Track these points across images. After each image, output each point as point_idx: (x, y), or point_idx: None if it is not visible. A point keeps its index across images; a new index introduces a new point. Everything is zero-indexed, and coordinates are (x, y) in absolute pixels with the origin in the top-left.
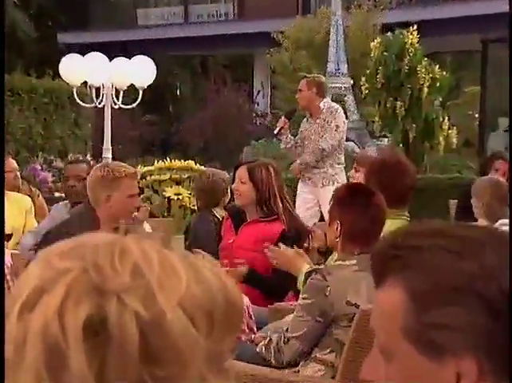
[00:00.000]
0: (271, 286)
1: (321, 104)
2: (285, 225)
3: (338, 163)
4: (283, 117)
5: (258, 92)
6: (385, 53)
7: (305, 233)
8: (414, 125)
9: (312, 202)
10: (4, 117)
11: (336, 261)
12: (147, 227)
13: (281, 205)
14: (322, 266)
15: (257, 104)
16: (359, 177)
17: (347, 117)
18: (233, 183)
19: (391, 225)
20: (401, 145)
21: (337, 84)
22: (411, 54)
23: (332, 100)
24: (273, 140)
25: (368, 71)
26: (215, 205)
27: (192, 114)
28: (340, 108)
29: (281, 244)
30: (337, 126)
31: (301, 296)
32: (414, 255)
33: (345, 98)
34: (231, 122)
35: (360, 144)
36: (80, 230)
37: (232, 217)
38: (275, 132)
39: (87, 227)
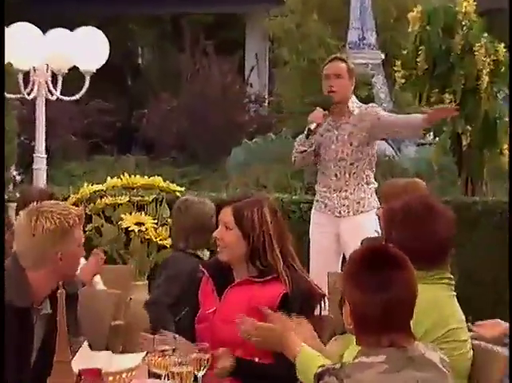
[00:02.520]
0: (273, 378)
1: (351, 105)
2: (288, 286)
3: (367, 183)
4: (319, 109)
5: (252, 68)
6: (428, 27)
7: (316, 297)
8: (469, 127)
9: (330, 238)
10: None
11: (357, 356)
12: (98, 282)
13: (281, 259)
14: (338, 365)
15: (251, 85)
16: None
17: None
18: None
19: (422, 292)
20: (451, 155)
21: (362, 60)
22: (465, 28)
23: (356, 84)
24: (271, 138)
25: (404, 51)
26: (202, 247)
27: (160, 98)
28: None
29: (279, 313)
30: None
31: None
32: None
33: (374, 80)
34: (214, 109)
35: (394, 145)
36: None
37: (213, 276)
38: (310, 128)
39: (17, 294)
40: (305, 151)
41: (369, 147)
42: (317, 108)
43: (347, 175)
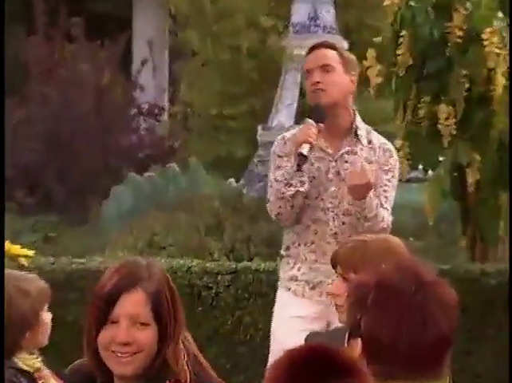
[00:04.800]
0: None
1: (359, 122)
2: None
3: None
4: (309, 121)
5: (143, 62)
6: (413, 2)
7: None
8: (477, 155)
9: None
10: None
11: None
12: None
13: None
14: None
15: (141, 89)
16: (343, 294)
17: None
18: None
19: None
20: (451, 198)
21: None
22: (468, 5)
23: (302, 87)
24: (174, 171)
25: (378, 38)
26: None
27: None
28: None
29: None
30: (393, 176)
31: None
32: None
33: None
34: (83, 126)
35: None
36: None
37: None
38: (303, 152)
39: None
40: (297, 193)
41: None
42: (307, 120)
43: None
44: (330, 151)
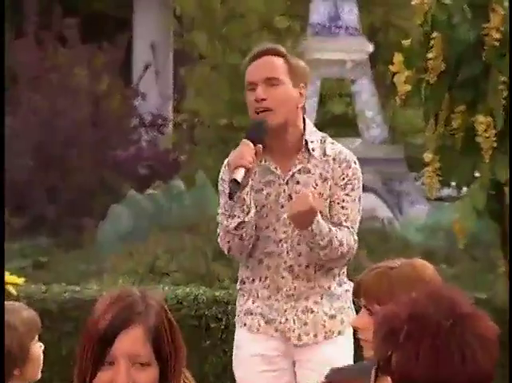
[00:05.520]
0: None
1: (308, 134)
2: None
3: (339, 284)
4: (246, 141)
5: (146, 67)
6: (447, 1)
7: None
8: None
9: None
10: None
11: None
12: None
13: None
14: None
15: (143, 97)
16: (368, 327)
17: (358, 131)
18: None
19: None
20: (489, 219)
21: (334, 55)
22: (506, 4)
23: (323, 95)
24: (179, 188)
25: (407, 40)
26: None
27: None
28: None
29: None
30: (359, 196)
31: None
32: None
33: (355, 88)
34: (77, 138)
35: (391, 200)
36: None
37: None
38: (236, 178)
39: None
40: (242, 224)
41: None
42: (244, 140)
43: (310, 270)
44: (279, 172)
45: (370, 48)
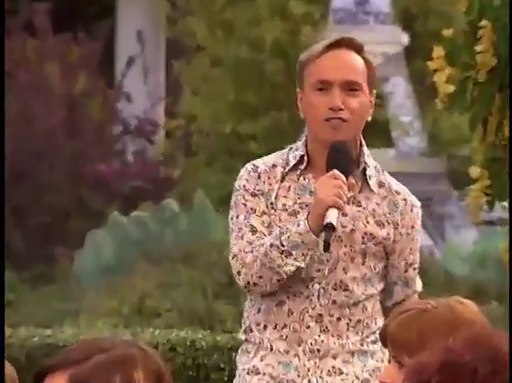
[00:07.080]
0: None
1: (366, 154)
2: None
3: (374, 342)
4: (337, 173)
5: (130, 61)
6: None
7: None
8: None
9: None
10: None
11: None
12: None
13: None
14: None
15: (127, 98)
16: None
17: (391, 141)
18: None
19: None
20: None
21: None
22: None
23: None
24: (172, 210)
25: (449, 30)
26: None
27: None
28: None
29: None
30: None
31: None
32: None
33: (388, 86)
34: (51, 150)
35: (432, 223)
36: None
37: None
38: (332, 223)
39: None
40: (298, 268)
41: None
42: (335, 171)
43: (343, 323)
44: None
45: (405, 39)
